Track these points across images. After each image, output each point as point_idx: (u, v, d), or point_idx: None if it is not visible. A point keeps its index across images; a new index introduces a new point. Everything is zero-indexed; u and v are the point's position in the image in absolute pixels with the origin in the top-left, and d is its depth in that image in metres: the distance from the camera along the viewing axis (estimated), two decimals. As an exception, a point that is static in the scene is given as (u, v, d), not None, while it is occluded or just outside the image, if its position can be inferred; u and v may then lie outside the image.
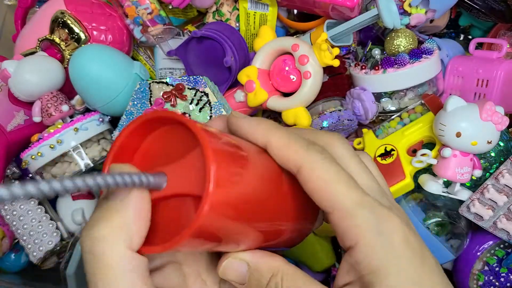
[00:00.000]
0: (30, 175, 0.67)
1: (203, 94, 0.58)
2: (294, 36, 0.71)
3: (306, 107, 0.63)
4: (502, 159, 0.59)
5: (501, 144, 0.60)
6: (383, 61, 0.62)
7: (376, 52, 0.65)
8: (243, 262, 0.23)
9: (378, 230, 0.21)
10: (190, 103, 0.59)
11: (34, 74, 0.61)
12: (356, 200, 0.21)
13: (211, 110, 0.58)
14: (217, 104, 0.58)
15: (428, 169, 0.60)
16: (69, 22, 0.64)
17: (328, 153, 0.23)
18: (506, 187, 0.57)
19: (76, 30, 0.64)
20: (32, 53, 0.65)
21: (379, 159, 0.60)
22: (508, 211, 0.57)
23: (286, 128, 0.25)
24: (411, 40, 0.62)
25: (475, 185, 0.60)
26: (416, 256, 0.21)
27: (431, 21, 0.71)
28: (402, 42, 0.62)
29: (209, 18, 0.72)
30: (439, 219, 0.58)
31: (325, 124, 0.62)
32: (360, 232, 0.21)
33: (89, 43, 0.64)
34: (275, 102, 0.63)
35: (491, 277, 0.61)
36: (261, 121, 0.24)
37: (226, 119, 0.26)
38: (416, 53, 0.61)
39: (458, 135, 0.52)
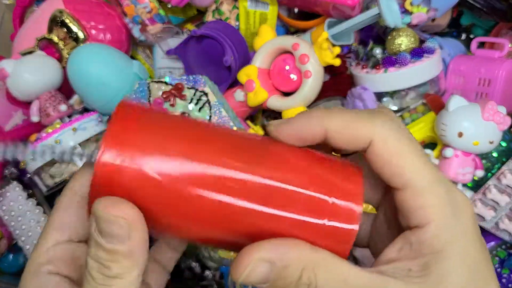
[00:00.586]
0: (28, 175, 0.67)
1: (202, 93, 0.58)
2: (295, 35, 0.71)
3: (307, 107, 0.63)
4: (504, 160, 0.59)
5: (503, 144, 0.59)
6: (384, 61, 0.61)
7: (377, 51, 0.65)
8: (267, 263, 0.20)
9: (452, 211, 0.20)
10: (190, 103, 0.58)
11: (32, 74, 0.61)
12: (431, 177, 0.21)
13: (210, 109, 0.58)
14: (217, 103, 0.58)
15: (430, 169, 0.59)
16: (67, 21, 0.63)
17: (398, 119, 0.22)
18: (508, 187, 0.57)
19: (75, 29, 0.64)
20: (30, 52, 0.64)
21: (380, 159, 0.59)
22: (510, 211, 0.57)
23: (339, 108, 0.23)
24: (412, 39, 0.62)
25: (476, 185, 0.60)
26: (477, 242, 0.21)
27: (433, 20, 0.70)
28: (403, 41, 0.62)
29: (209, 17, 0.72)
30: (441, 220, 0.58)
31: (325, 124, 0.62)
32: (434, 212, 0.20)
33: (87, 42, 0.64)
34: (275, 102, 0.62)
35: (492, 278, 0.61)
36: (311, 111, 0.23)
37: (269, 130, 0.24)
38: (418, 52, 0.60)
39: (460, 135, 0.52)
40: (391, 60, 0.60)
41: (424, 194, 0.20)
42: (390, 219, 0.24)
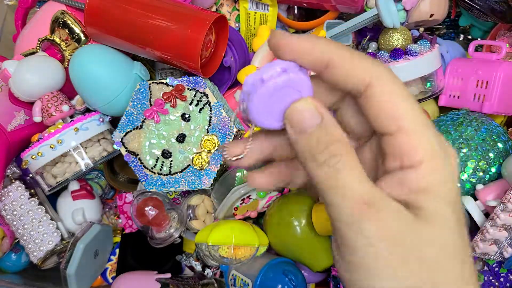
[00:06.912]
0: (31, 175, 0.67)
1: (203, 94, 0.59)
2: (294, 37, 0.71)
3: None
4: (501, 160, 0.60)
5: (500, 145, 0.60)
6: (380, 55, 0.62)
7: (373, 45, 0.65)
8: (318, 113, 0.21)
9: (443, 154, 0.21)
10: (190, 104, 0.59)
11: (34, 74, 0.61)
12: (422, 122, 0.21)
13: (211, 110, 0.59)
14: (217, 104, 0.58)
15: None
16: (69, 22, 0.64)
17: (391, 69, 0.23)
18: (505, 225, 0.57)
19: (77, 30, 0.64)
20: (33, 53, 0.65)
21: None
22: (511, 240, 0.57)
23: (343, 45, 0.23)
24: (405, 36, 0.62)
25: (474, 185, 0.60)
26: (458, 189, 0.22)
27: (431, 15, 0.70)
28: (396, 38, 0.62)
29: (209, 18, 0.72)
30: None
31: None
32: (427, 154, 0.21)
33: (89, 43, 0.64)
34: (275, 103, 0.63)
35: (490, 277, 0.61)
36: (317, 39, 0.22)
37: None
38: (411, 50, 0.61)
39: None
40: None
41: (418, 136, 0.21)
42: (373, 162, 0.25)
